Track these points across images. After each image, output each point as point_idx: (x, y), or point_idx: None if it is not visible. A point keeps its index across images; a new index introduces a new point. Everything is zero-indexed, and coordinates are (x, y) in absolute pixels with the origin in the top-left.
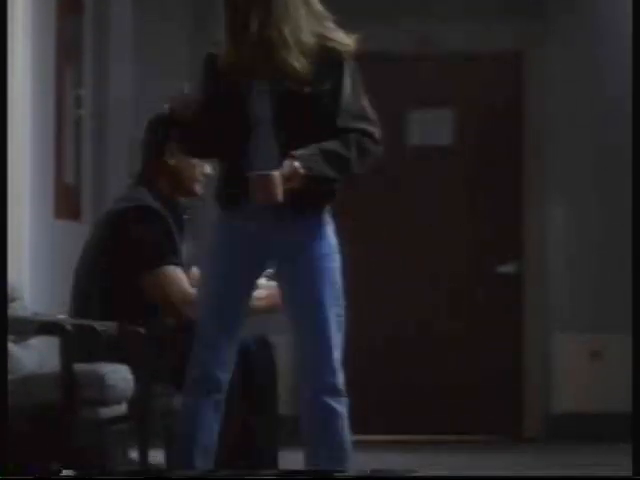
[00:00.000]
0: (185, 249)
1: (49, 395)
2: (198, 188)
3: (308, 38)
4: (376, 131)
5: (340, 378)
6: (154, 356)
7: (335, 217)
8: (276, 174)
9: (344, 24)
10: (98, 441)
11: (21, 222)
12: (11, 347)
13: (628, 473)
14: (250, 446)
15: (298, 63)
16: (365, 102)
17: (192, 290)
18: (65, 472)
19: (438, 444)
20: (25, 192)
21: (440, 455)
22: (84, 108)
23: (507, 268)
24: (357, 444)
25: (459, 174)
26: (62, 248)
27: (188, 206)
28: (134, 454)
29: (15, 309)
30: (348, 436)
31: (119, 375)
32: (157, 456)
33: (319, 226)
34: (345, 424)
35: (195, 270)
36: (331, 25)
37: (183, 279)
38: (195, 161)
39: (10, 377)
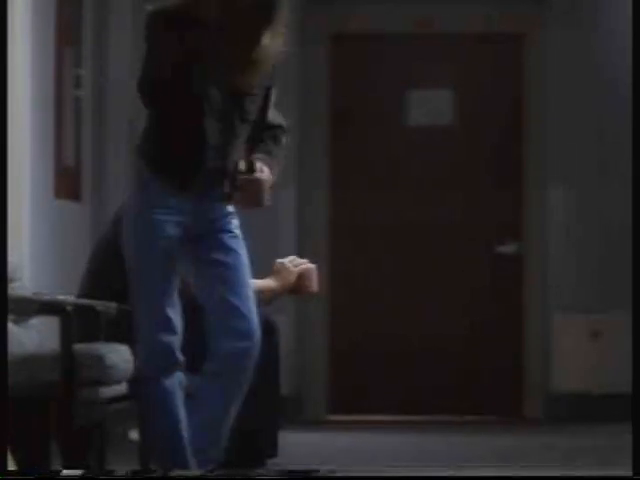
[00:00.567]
0: None
1: (49, 375)
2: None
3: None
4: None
5: None
6: None
7: (336, 197)
8: (265, 179)
9: (346, 6)
10: (98, 421)
11: (21, 203)
12: (11, 327)
13: (628, 471)
14: (251, 428)
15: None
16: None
17: None
18: (65, 472)
19: (438, 424)
20: (25, 173)
21: (441, 436)
22: (84, 88)
23: (507, 248)
24: (358, 423)
25: (459, 155)
26: (62, 228)
27: None
28: (134, 434)
29: (15, 289)
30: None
31: (119, 355)
32: None
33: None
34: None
35: None
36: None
37: None
38: None
39: (10, 357)
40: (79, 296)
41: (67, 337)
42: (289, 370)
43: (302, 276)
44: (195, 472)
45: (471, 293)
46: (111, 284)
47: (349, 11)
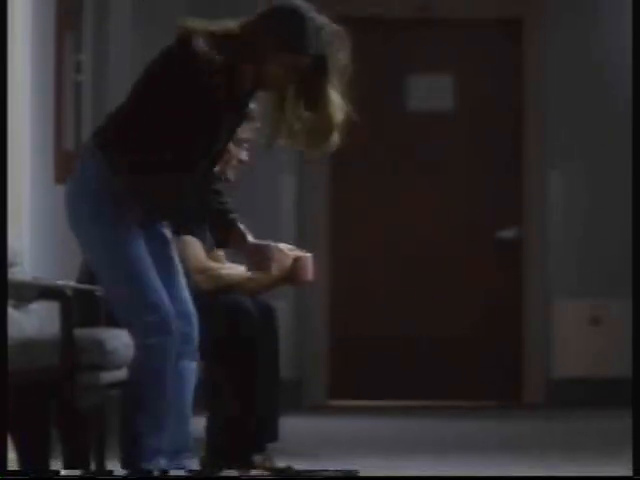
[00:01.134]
0: None
1: (49, 360)
2: (231, 174)
3: None
4: None
5: None
6: None
7: (336, 183)
8: (274, 246)
9: None
10: (98, 406)
11: (21, 188)
12: (11, 312)
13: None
14: (251, 414)
15: None
16: None
17: (208, 262)
18: (65, 472)
19: (439, 410)
20: (25, 157)
21: (441, 421)
22: (84, 73)
23: (507, 233)
24: (358, 409)
25: (459, 140)
26: (62, 213)
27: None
28: None
29: (15, 274)
30: None
31: (119, 340)
32: None
33: None
34: None
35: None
36: None
37: (200, 250)
38: (230, 146)
39: (10, 342)
40: (79, 281)
41: (67, 322)
42: (289, 355)
43: (297, 265)
44: (195, 472)
45: (471, 279)
46: None
47: None
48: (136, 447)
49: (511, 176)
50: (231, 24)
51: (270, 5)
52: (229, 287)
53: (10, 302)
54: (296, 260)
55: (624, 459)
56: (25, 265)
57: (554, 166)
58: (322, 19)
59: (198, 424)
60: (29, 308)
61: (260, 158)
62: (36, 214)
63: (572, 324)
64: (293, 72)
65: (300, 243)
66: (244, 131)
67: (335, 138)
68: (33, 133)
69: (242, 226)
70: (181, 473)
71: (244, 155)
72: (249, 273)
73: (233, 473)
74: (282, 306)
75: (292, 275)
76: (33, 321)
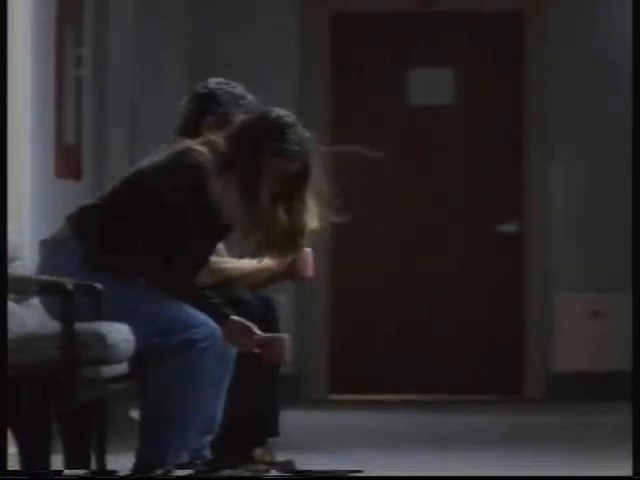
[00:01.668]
0: None
1: (50, 354)
2: None
3: None
4: None
5: None
6: None
7: (337, 177)
8: (286, 337)
9: None
10: (99, 400)
11: (22, 182)
12: (12, 306)
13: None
14: (252, 408)
15: None
16: None
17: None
18: (69, 472)
19: (440, 404)
20: (26, 152)
21: (442, 415)
22: (84, 68)
23: (507, 228)
24: (359, 403)
25: (460, 134)
26: (63, 207)
27: None
28: (135, 413)
29: (16, 269)
30: None
31: (120, 334)
32: None
33: None
34: None
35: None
36: None
37: None
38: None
39: (11, 337)
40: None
41: (68, 316)
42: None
43: (297, 262)
44: (195, 472)
45: (472, 273)
46: None
47: None
48: (162, 443)
49: (512, 170)
50: (217, 139)
51: (256, 114)
52: (228, 281)
53: (11, 296)
54: (297, 257)
55: (624, 453)
56: (26, 259)
57: (554, 160)
58: (303, 129)
59: None
60: (30, 302)
61: None
62: (37, 208)
63: (572, 318)
64: (280, 177)
65: None
66: None
67: (302, 245)
68: (34, 127)
69: (239, 319)
70: (197, 462)
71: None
72: (249, 268)
73: (233, 472)
74: (282, 300)
75: (292, 271)
76: (34, 315)
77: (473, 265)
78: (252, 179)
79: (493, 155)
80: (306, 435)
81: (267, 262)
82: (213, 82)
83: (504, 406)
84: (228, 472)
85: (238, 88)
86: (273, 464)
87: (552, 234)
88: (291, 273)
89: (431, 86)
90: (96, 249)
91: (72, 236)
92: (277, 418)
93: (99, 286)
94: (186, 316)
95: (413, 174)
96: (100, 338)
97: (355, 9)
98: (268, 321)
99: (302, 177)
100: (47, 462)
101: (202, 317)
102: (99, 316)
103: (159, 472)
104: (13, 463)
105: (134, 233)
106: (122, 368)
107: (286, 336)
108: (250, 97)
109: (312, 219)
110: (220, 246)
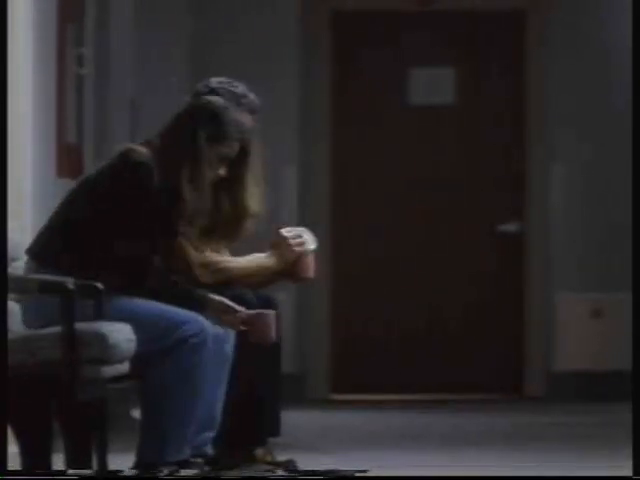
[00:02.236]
0: None
1: (51, 354)
2: None
3: None
4: None
5: None
6: None
7: (336, 177)
8: (272, 313)
9: None
10: (100, 399)
11: (23, 181)
12: (12, 306)
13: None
14: (253, 407)
15: None
16: None
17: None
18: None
19: (441, 404)
20: (27, 150)
21: (443, 415)
22: (86, 67)
23: (508, 227)
24: (361, 402)
25: (461, 133)
26: None
27: None
28: (136, 412)
29: (16, 268)
30: None
31: (121, 334)
32: None
33: None
34: None
35: None
36: None
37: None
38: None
39: (11, 336)
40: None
41: (69, 316)
42: (291, 349)
43: (298, 262)
44: (195, 472)
45: (473, 272)
46: None
47: None
48: (167, 439)
49: (512, 170)
50: (155, 139)
51: (186, 104)
52: (230, 281)
53: (11, 296)
54: (298, 257)
55: (624, 453)
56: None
57: (555, 160)
58: (240, 114)
59: None
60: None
61: None
62: (38, 207)
63: (573, 318)
64: (220, 162)
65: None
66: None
67: (247, 228)
68: (35, 126)
69: (219, 297)
70: (199, 460)
71: None
72: (250, 267)
73: (233, 472)
74: (283, 298)
75: (294, 272)
76: None
77: (474, 265)
78: (193, 168)
79: (493, 155)
80: (307, 435)
81: (268, 262)
82: (215, 81)
83: (504, 405)
84: (230, 473)
85: (240, 87)
86: (274, 464)
87: (553, 234)
88: (292, 274)
89: (431, 86)
90: (66, 272)
91: (36, 269)
92: (278, 418)
93: (99, 285)
94: (173, 315)
95: (413, 174)
96: (101, 338)
97: (355, 8)
98: None
99: (242, 160)
100: (48, 462)
101: (189, 313)
102: (100, 316)
103: (165, 472)
104: (13, 463)
105: (95, 242)
106: (123, 368)
107: (271, 312)
108: (252, 96)
109: (254, 202)
110: (221, 245)
